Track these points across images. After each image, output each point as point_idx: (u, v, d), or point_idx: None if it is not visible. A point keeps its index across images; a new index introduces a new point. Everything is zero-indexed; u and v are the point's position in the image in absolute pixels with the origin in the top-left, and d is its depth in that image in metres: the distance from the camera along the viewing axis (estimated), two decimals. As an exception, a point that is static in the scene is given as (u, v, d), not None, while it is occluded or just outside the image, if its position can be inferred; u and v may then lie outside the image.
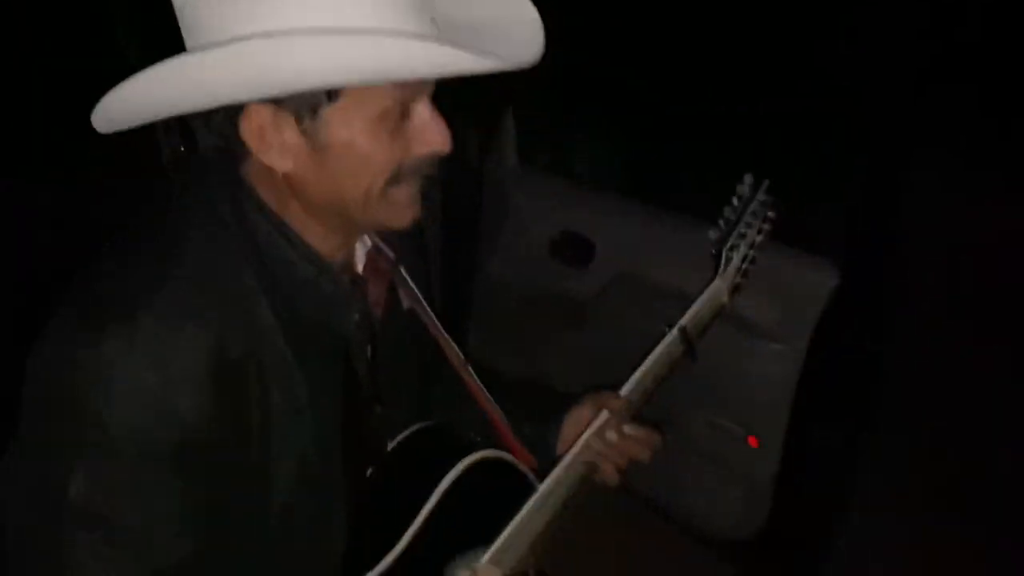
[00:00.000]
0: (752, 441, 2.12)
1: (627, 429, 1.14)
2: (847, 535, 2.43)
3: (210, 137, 0.83)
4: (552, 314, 2.44)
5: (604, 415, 1.13)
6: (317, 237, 0.89)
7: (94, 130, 0.79)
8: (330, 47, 0.71)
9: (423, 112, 0.83)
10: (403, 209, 0.87)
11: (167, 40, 0.78)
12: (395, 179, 0.84)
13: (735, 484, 2.20)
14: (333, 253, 0.92)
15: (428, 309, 1.06)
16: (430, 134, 0.84)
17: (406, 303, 1.04)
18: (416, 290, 1.05)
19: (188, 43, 0.78)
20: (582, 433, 1.12)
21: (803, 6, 2.12)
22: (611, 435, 1.12)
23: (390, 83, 0.77)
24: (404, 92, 0.80)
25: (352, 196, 0.83)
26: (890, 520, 2.63)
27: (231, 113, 0.79)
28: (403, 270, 1.04)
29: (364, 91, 0.77)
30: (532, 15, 0.86)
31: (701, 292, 1.21)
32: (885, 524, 2.61)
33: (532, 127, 2.61)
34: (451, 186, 2.86)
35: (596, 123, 2.60)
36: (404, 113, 0.81)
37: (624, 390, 1.16)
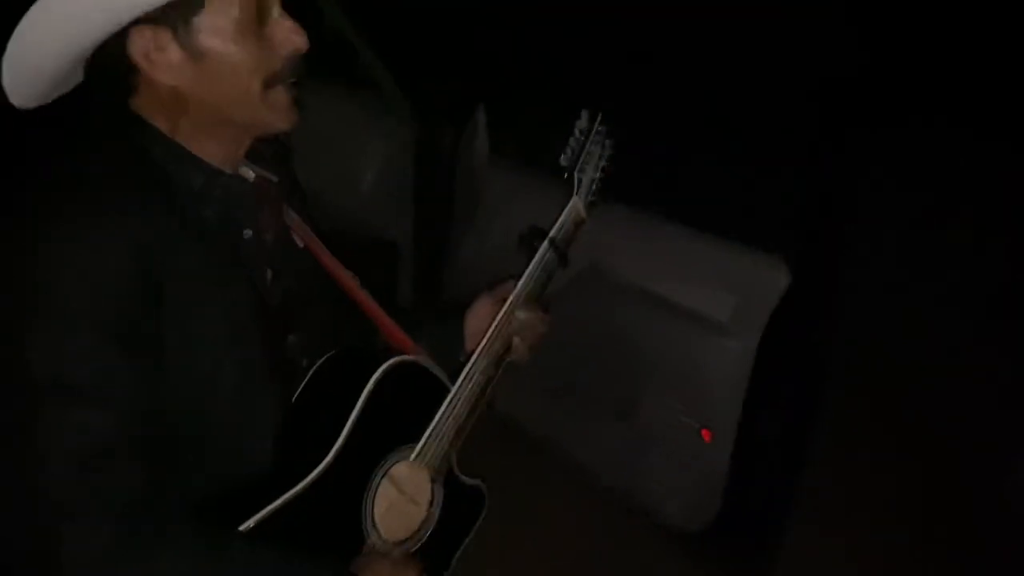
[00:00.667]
0: (705, 434, 2.19)
1: (520, 314, 1.28)
2: (797, 527, 2.49)
3: (101, 77, 0.95)
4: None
5: (512, 297, 1.27)
6: (208, 152, 1.00)
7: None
8: None
9: (278, 16, 0.97)
10: (283, 111, 1.00)
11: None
12: (270, 81, 0.97)
13: (689, 476, 2.27)
14: (223, 168, 1.03)
15: (319, 240, 1.17)
16: (287, 34, 0.97)
17: (300, 242, 1.15)
18: (302, 220, 1.15)
19: None
20: (490, 323, 1.26)
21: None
22: (520, 314, 1.27)
23: None
24: None
25: (234, 100, 0.97)
26: (840, 513, 2.70)
27: (116, 43, 0.91)
28: (290, 210, 1.14)
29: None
30: None
31: (562, 209, 1.37)
32: (835, 516, 2.68)
33: (504, 120, 2.65)
34: (424, 176, 2.90)
35: (569, 117, 2.65)
36: (262, 19, 0.95)
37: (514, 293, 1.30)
